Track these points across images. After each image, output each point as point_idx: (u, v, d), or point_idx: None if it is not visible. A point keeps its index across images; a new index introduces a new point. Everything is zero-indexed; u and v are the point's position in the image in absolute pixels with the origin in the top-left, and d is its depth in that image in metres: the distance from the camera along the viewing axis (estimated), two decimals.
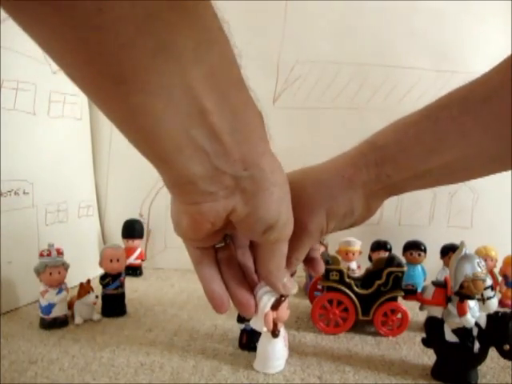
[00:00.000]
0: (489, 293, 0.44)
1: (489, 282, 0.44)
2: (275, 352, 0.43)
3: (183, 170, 0.24)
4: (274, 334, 0.41)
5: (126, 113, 0.22)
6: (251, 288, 0.34)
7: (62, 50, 0.19)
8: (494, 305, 0.45)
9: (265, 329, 0.40)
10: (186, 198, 0.26)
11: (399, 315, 0.52)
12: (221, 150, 0.23)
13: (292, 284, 0.35)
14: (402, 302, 0.53)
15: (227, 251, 0.33)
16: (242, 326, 0.47)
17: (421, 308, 0.51)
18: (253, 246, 0.34)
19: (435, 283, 0.49)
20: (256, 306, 0.35)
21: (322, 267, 0.38)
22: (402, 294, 0.52)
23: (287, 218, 0.29)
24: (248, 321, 0.46)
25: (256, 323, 0.40)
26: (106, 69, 0.19)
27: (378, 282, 0.52)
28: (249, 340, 0.47)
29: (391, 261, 0.53)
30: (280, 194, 0.27)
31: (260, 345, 0.44)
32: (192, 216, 0.27)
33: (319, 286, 0.59)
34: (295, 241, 0.33)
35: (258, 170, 0.25)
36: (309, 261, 0.38)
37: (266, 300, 0.38)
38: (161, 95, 0.21)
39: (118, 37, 0.18)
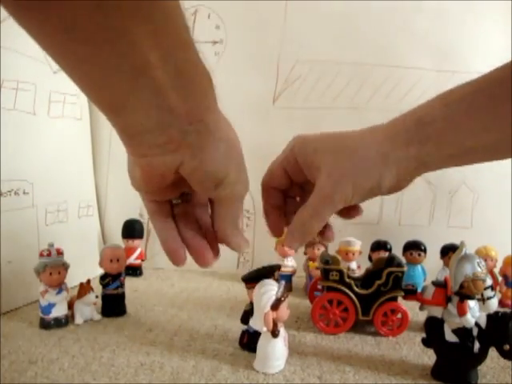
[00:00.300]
0: (489, 293, 0.44)
1: (489, 281, 0.44)
2: (275, 352, 0.43)
3: (130, 120, 0.25)
4: (274, 333, 0.41)
5: (73, 61, 0.23)
6: (209, 242, 0.34)
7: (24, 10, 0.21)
8: (493, 305, 0.45)
9: (265, 329, 0.40)
10: (136, 149, 0.28)
11: (399, 315, 0.52)
12: (164, 104, 0.25)
13: (245, 243, 0.34)
14: (402, 302, 0.53)
15: (184, 208, 0.34)
16: (245, 327, 0.47)
17: (421, 308, 0.51)
18: (211, 204, 0.34)
19: (435, 283, 0.49)
20: (214, 256, 0.34)
21: (332, 234, 0.38)
22: (402, 294, 0.52)
23: (238, 176, 0.30)
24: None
25: (256, 323, 0.40)
26: (58, 19, 0.21)
27: (378, 282, 0.52)
28: (249, 341, 0.47)
29: (391, 261, 0.53)
30: (227, 149, 0.28)
31: (260, 345, 0.44)
32: (143, 168, 0.28)
33: (319, 286, 0.59)
34: (318, 208, 0.34)
35: (203, 124, 0.26)
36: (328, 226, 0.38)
37: (266, 300, 0.38)
38: (105, 47, 0.22)
39: None
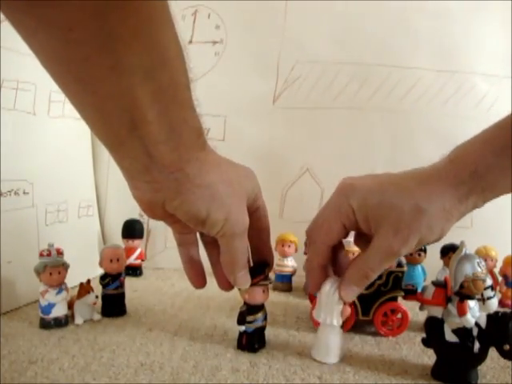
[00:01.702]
0: (489, 293, 0.44)
1: (489, 281, 0.44)
2: (338, 342, 0.45)
3: (121, 160, 0.30)
4: (342, 326, 0.44)
5: (79, 106, 0.27)
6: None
7: (40, 50, 0.25)
8: (493, 305, 0.45)
9: (335, 322, 0.43)
10: (129, 182, 0.32)
11: (399, 315, 0.52)
12: (152, 153, 0.28)
13: (244, 280, 0.39)
14: (402, 302, 0.53)
15: (209, 236, 0.37)
16: (243, 327, 0.47)
17: (421, 308, 0.51)
18: None
19: (435, 283, 0.49)
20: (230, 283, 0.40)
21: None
22: (402, 294, 0.52)
23: (223, 216, 0.33)
24: (249, 323, 0.46)
25: (326, 318, 0.43)
26: (68, 70, 0.24)
27: (378, 282, 0.52)
28: (249, 341, 0.47)
29: None
30: (206, 194, 0.31)
31: (321, 336, 0.45)
32: (136, 199, 0.32)
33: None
34: (382, 261, 0.36)
35: (183, 173, 0.30)
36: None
37: (337, 298, 0.41)
38: (109, 100, 0.25)
39: (82, 52, 0.23)
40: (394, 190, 0.36)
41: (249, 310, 0.47)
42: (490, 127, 0.36)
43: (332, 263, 0.42)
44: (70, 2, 0.21)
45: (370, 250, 0.37)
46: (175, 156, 0.29)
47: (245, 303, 0.47)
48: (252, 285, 0.42)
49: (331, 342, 0.45)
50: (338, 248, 0.41)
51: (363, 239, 0.40)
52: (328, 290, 0.42)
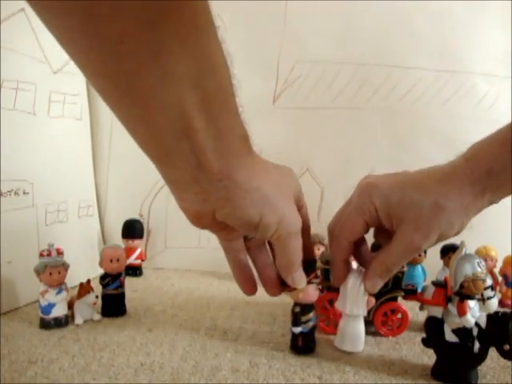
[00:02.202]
0: (489, 293, 0.44)
1: (489, 281, 0.44)
2: (361, 331, 0.47)
3: (168, 170, 0.30)
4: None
5: (127, 119, 0.27)
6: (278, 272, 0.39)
7: (90, 66, 0.24)
8: (494, 305, 0.45)
9: (361, 312, 0.45)
10: (176, 194, 0.31)
11: (399, 315, 0.52)
12: (199, 163, 0.28)
13: (302, 279, 0.39)
14: (402, 302, 0.53)
15: (256, 241, 0.38)
16: (299, 329, 0.47)
17: (421, 308, 0.51)
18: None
19: (435, 283, 0.49)
20: (280, 287, 0.40)
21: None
22: (402, 294, 0.52)
23: (276, 218, 0.32)
24: (304, 323, 0.47)
25: (353, 309, 0.45)
26: (118, 84, 0.24)
27: None
28: (305, 342, 0.47)
29: None
30: (256, 198, 0.31)
31: (347, 326, 0.47)
32: (183, 210, 0.32)
33: (319, 287, 0.59)
34: (404, 256, 0.39)
35: (231, 181, 0.29)
36: None
37: (363, 290, 0.43)
38: (158, 111, 0.25)
39: (132, 64, 0.23)
40: (414, 187, 0.38)
41: (303, 310, 0.46)
42: (505, 127, 0.37)
43: (354, 256, 0.45)
44: (122, 14, 0.21)
45: (392, 245, 0.39)
46: (223, 163, 0.29)
47: (297, 304, 0.47)
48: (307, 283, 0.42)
49: (358, 331, 0.47)
50: (360, 242, 0.43)
51: (384, 234, 0.42)
52: (353, 282, 0.44)
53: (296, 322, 0.47)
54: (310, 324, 0.47)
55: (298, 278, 0.38)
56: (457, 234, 0.39)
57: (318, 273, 0.57)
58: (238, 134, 0.30)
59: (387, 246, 0.40)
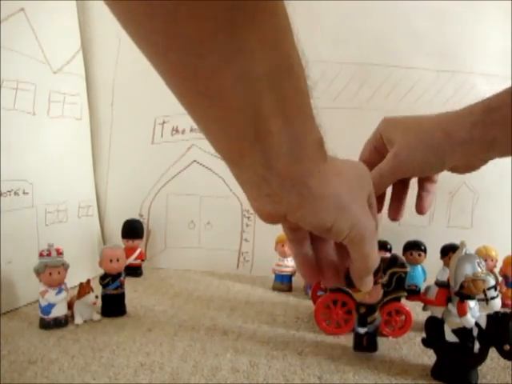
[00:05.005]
0: (492, 293, 0.44)
1: (492, 282, 0.44)
2: None
3: (241, 173, 0.29)
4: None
5: (203, 121, 0.27)
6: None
7: (168, 68, 0.24)
8: (497, 305, 0.45)
9: None
10: (248, 194, 0.31)
11: (403, 317, 0.52)
12: (273, 167, 0.27)
13: (370, 283, 0.38)
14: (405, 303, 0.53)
15: None
16: (364, 329, 0.47)
17: (424, 308, 0.51)
18: None
19: (438, 284, 0.49)
20: (338, 279, 0.38)
21: (425, 206, 0.45)
22: (406, 294, 0.52)
23: (349, 223, 0.32)
24: (370, 323, 0.47)
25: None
26: (195, 85, 0.24)
27: (382, 282, 0.52)
28: (370, 342, 0.47)
29: (394, 261, 0.53)
30: (330, 203, 0.30)
31: None
32: (255, 210, 0.32)
33: (322, 286, 0.59)
34: (390, 171, 0.41)
35: (305, 187, 0.29)
36: (418, 196, 0.45)
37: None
38: (234, 112, 0.25)
39: (210, 64, 0.23)
40: (413, 119, 0.42)
41: (368, 311, 0.47)
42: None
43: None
44: (206, 14, 0.21)
45: (383, 162, 0.42)
46: (297, 169, 0.28)
47: (362, 304, 0.47)
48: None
49: None
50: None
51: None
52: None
53: (362, 322, 0.47)
54: (376, 324, 0.48)
55: (367, 282, 0.37)
56: (448, 166, 0.40)
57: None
58: (313, 138, 0.29)
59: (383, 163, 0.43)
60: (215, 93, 0.24)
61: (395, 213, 0.46)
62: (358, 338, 0.48)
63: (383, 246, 0.67)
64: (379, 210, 0.45)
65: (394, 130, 0.42)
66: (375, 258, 0.35)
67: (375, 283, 0.41)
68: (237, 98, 0.24)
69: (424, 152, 0.39)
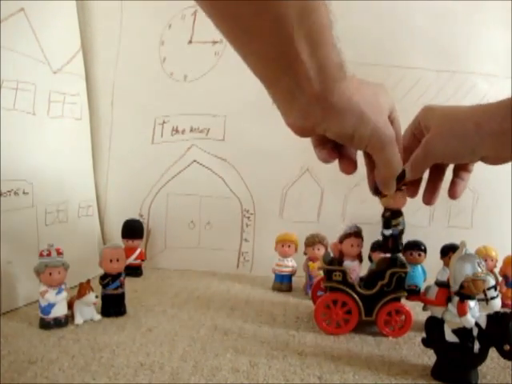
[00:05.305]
0: (492, 293, 0.44)
1: (492, 282, 0.44)
2: None
3: (276, 93, 0.37)
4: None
5: (245, 54, 0.35)
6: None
7: (216, 10, 0.32)
8: (497, 305, 0.45)
9: None
10: (282, 111, 0.38)
11: (403, 317, 0.52)
12: (303, 88, 0.34)
13: (391, 188, 0.44)
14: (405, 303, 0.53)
15: None
16: (389, 231, 0.50)
17: (424, 308, 0.51)
18: None
19: (439, 284, 0.49)
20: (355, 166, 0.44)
21: (458, 191, 0.47)
22: (406, 294, 0.52)
23: (369, 131, 0.37)
24: (394, 226, 0.50)
25: None
26: (239, 24, 0.32)
27: (382, 283, 0.52)
28: (394, 243, 0.50)
29: (394, 261, 0.53)
30: (348, 115, 0.36)
31: None
32: (288, 124, 0.38)
33: (322, 286, 0.59)
34: (421, 158, 0.42)
35: (327, 102, 0.35)
36: (452, 182, 0.47)
37: None
38: (271, 46, 0.32)
39: (251, 8, 0.30)
40: (449, 108, 0.44)
41: (393, 215, 0.50)
42: None
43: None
44: None
45: (418, 148, 0.43)
46: (321, 88, 0.34)
47: (387, 209, 0.50)
48: (396, 190, 0.45)
49: None
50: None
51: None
52: None
53: (387, 225, 0.50)
54: (400, 228, 0.50)
55: (390, 185, 0.43)
56: (478, 157, 0.41)
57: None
58: (334, 62, 0.35)
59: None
60: (256, 31, 0.31)
61: (429, 197, 0.47)
62: (384, 239, 0.50)
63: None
64: (414, 193, 0.47)
65: (431, 118, 0.43)
66: (397, 163, 0.41)
67: (398, 189, 0.46)
68: (273, 34, 0.31)
69: (454, 141, 0.40)
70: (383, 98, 0.40)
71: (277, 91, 0.36)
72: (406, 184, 0.47)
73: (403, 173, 0.44)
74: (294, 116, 0.37)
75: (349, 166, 0.43)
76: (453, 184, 0.46)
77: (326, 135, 0.38)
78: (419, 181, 0.47)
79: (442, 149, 0.41)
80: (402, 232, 0.50)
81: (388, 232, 0.50)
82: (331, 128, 0.37)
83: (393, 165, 0.41)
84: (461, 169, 0.46)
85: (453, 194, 0.46)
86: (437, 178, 0.47)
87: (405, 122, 0.80)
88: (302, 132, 0.39)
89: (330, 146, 0.42)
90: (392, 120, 0.42)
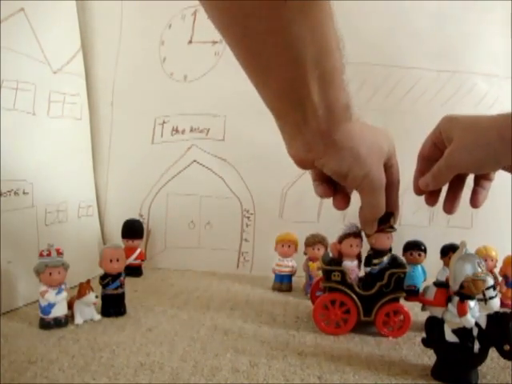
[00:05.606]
0: (491, 293, 0.44)
1: (490, 281, 0.44)
2: None
3: (284, 125, 0.39)
4: None
5: (262, 89, 0.36)
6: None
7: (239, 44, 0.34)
8: (496, 305, 0.45)
9: None
10: (287, 142, 0.40)
11: (401, 317, 0.52)
12: (310, 124, 0.37)
13: (370, 229, 0.47)
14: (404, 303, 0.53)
15: None
16: (368, 269, 0.52)
17: (423, 309, 0.51)
18: None
19: (437, 284, 0.49)
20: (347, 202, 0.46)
21: (480, 200, 0.48)
22: (404, 294, 0.52)
23: (362, 173, 0.39)
24: (374, 265, 0.52)
25: None
26: (259, 63, 0.34)
27: (380, 283, 0.52)
28: (372, 281, 0.52)
29: (393, 262, 0.53)
30: (347, 155, 0.38)
31: None
32: (291, 155, 0.40)
33: (321, 286, 0.59)
34: (443, 169, 0.43)
35: (330, 140, 0.37)
36: (473, 191, 0.48)
37: None
38: (285, 83, 0.34)
39: (259, 44, 0.32)
40: (471, 118, 0.44)
41: (375, 254, 0.52)
42: None
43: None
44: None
45: (440, 160, 0.44)
46: (327, 126, 0.37)
47: (371, 248, 0.52)
48: (379, 231, 0.48)
49: None
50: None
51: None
52: None
53: (367, 262, 0.53)
54: (381, 266, 0.51)
55: (370, 227, 0.46)
56: (501, 166, 0.42)
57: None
58: (342, 104, 0.37)
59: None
60: (275, 68, 0.33)
61: (450, 206, 0.48)
62: (364, 275, 0.53)
63: None
64: (434, 202, 0.48)
65: (453, 128, 0.43)
66: (381, 208, 0.43)
67: (381, 231, 0.48)
68: (289, 72, 0.33)
69: (478, 151, 0.41)
70: (384, 144, 0.41)
71: (285, 124, 0.38)
72: (393, 227, 0.49)
73: (388, 216, 0.46)
74: (297, 148, 0.39)
75: (341, 203, 0.45)
76: (474, 193, 0.47)
77: (323, 171, 0.40)
78: (439, 190, 0.48)
79: (465, 160, 0.42)
80: (387, 269, 0.51)
81: (367, 269, 0.52)
82: (329, 164, 0.39)
83: (376, 209, 0.43)
84: (482, 178, 0.47)
85: (475, 203, 0.47)
86: (457, 188, 0.48)
87: (405, 123, 0.80)
88: (302, 163, 0.41)
89: (327, 183, 0.44)
90: (390, 166, 0.44)
